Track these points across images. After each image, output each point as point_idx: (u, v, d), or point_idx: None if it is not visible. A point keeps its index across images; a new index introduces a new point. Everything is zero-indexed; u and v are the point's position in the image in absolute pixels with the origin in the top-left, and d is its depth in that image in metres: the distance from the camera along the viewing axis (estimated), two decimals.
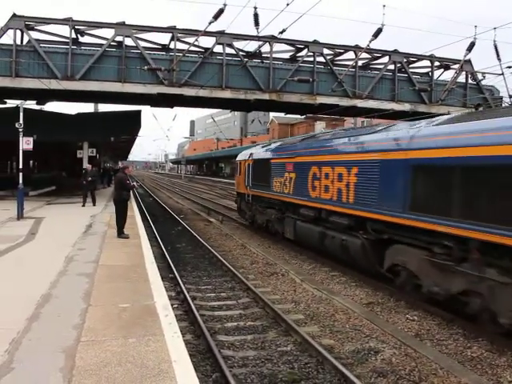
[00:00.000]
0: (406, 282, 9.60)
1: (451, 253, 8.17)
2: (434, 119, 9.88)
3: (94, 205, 21.77)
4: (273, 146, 18.63)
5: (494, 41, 23.45)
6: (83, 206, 21.52)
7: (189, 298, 9.68)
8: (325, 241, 12.87)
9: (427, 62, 27.88)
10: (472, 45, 25.48)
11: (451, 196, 7.91)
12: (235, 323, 8.69)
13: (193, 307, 9.03)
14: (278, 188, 15.99)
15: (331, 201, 12.09)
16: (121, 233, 13.20)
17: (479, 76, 27.77)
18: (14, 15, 21.75)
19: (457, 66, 27.36)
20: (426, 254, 8.75)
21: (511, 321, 7.05)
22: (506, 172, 6.86)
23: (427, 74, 28.28)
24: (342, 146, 12.26)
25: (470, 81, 27.98)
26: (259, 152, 19.35)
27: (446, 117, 9.77)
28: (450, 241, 8.11)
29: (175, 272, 12.07)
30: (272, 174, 16.61)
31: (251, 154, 19.91)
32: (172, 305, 7.22)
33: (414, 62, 27.82)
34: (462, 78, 27.88)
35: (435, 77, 27.91)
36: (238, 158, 22.30)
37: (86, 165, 28.90)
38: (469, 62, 27.13)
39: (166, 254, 14.52)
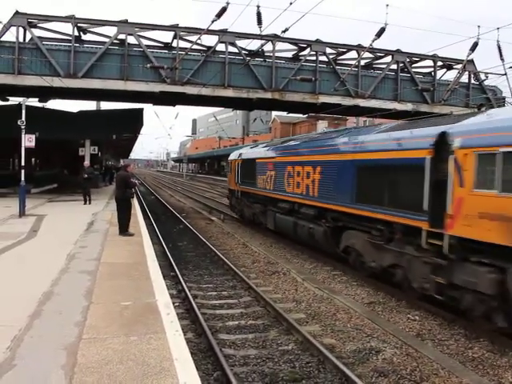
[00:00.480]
0: (355, 259, 11.81)
1: (383, 234, 10.31)
2: (383, 126, 12.05)
3: (90, 203, 21.55)
4: (259, 147, 20.94)
5: (498, 41, 23.43)
6: (84, 204, 21.44)
7: (190, 297, 9.70)
8: (297, 229, 15.02)
9: (430, 62, 27.84)
10: (475, 45, 25.42)
11: (380, 190, 10.23)
12: (236, 322, 8.70)
13: (194, 306, 9.05)
14: (262, 185, 18.24)
15: (301, 195, 14.35)
16: (125, 231, 13.20)
17: (482, 76, 27.70)
18: (17, 12, 21.75)
19: (459, 66, 27.31)
20: (367, 236, 10.93)
21: (420, 285, 9.09)
22: (407, 170, 9.36)
23: (430, 73, 28.24)
24: (310, 148, 14.48)
25: (472, 81, 27.93)
26: (247, 152, 21.62)
27: (389, 125, 11.80)
28: (382, 225, 10.28)
29: (176, 270, 12.09)
30: (257, 172, 18.74)
31: (240, 154, 22.10)
32: (173, 303, 7.23)
33: (416, 61, 27.79)
34: (464, 78, 27.86)
35: (438, 77, 27.86)
36: (229, 158, 24.63)
37: (87, 162, 29.03)
38: (472, 61, 27.07)
39: (168, 252, 14.54)
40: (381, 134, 11.07)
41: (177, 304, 9.05)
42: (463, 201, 7.94)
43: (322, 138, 14.97)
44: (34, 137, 18.85)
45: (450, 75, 28.18)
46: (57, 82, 21.55)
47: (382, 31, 24.14)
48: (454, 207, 8.13)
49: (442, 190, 8.39)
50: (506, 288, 7.21)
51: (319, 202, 13.13)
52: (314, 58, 25.30)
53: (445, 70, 28.41)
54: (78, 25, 22.95)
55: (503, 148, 7.25)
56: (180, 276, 11.50)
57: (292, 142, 17.31)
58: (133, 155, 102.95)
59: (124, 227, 13.23)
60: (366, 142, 11.22)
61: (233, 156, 23.68)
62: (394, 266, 10.14)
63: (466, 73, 27.61)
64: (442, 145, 8.53)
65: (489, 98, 27.73)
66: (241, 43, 24.31)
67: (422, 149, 8.94)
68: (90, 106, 43.11)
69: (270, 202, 17.53)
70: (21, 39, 22.27)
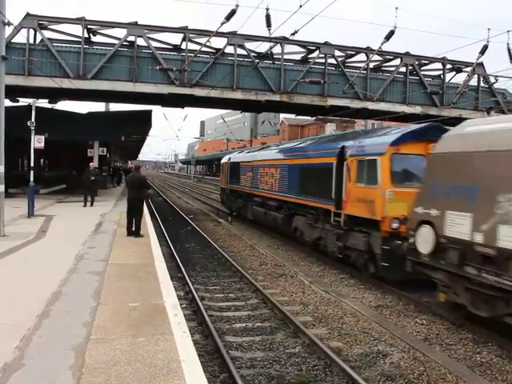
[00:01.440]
0: (300, 236, 16.05)
1: (313, 217, 14.60)
2: (313, 140, 18.35)
3: (92, 205, 21.27)
4: (244, 152, 25.95)
5: (508, 44, 23.32)
6: (84, 206, 21.12)
7: (197, 298, 9.72)
8: (266, 217, 19.31)
9: (439, 65, 27.75)
10: (485, 47, 25.33)
11: (311, 185, 14.60)
12: (243, 324, 8.71)
13: (201, 307, 9.06)
14: (243, 183, 22.65)
15: (268, 191, 18.81)
16: (137, 232, 13.23)
17: (492, 79, 27.59)
18: (28, 14, 21.92)
19: (469, 69, 27.20)
20: (305, 219, 15.32)
21: (332, 249, 13.38)
22: (324, 171, 13.44)
23: (439, 76, 28.13)
24: (275, 154, 19.16)
25: (482, 84, 27.80)
26: (234, 157, 26.20)
27: (324, 135, 18.43)
28: (313, 210, 14.57)
29: (184, 272, 12.11)
30: (240, 173, 23.17)
31: (229, 158, 26.72)
32: (180, 305, 7.24)
33: (425, 64, 27.70)
34: (474, 81, 27.72)
35: (447, 79, 27.76)
36: (222, 161, 29.15)
37: (95, 163, 29.13)
38: (481, 64, 26.96)
39: (175, 253, 14.57)
40: (312, 145, 16.51)
41: (184, 305, 9.07)
42: (350, 191, 12.16)
43: (282, 147, 20.18)
44: (43, 138, 18.99)
45: (460, 78, 28.01)
46: (66, 84, 21.69)
47: (391, 34, 24.10)
48: (346, 195, 12.36)
49: (340, 184, 12.65)
50: (371, 245, 11.29)
51: (279, 195, 17.54)
52: (322, 60, 25.29)
53: (454, 72, 28.31)
54: (88, 26, 23.09)
55: (367, 157, 11.64)
56: (187, 277, 11.53)
57: (263, 150, 22.48)
58: (141, 156, 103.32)
59: (138, 229, 13.27)
60: (304, 151, 16.42)
61: (224, 159, 28.30)
62: (320, 238, 14.38)
63: (476, 76, 27.50)
64: (341, 154, 12.74)
65: (498, 101, 27.60)
66: (250, 45, 24.38)
67: (331, 156, 13.23)
68: (98, 107, 43.38)
69: (249, 197, 21.87)
70: (31, 41, 22.44)
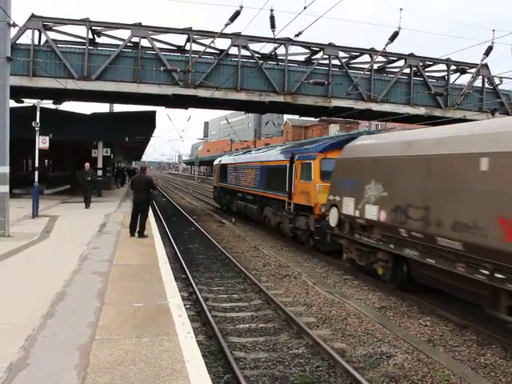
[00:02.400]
0: (267, 222, 19.94)
1: (276, 206, 18.36)
2: (278, 147, 23.68)
3: (88, 207, 20.79)
4: (232, 155, 30.90)
5: None
6: (86, 207, 20.68)
7: (201, 299, 9.73)
8: (245, 209, 23.40)
9: (443, 66, 27.71)
10: (489, 49, 25.30)
11: (274, 181, 18.26)
12: (247, 325, 8.72)
13: (205, 308, 9.08)
14: (229, 181, 26.65)
15: (247, 187, 22.77)
16: (142, 232, 13.28)
17: (496, 80, 27.53)
18: (33, 16, 22.01)
19: (473, 70, 27.16)
20: (271, 209, 19.21)
21: (287, 230, 17.14)
22: (281, 171, 17.26)
23: (443, 77, 28.10)
24: (251, 157, 23.81)
25: (486, 85, 27.75)
26: (223, 159, 30.91)
27: (288, 144, 25.53)
28: (276, 201, 18.21)
29: (188, 272, 12.14)
30: (227, 172, 27.28)
31: (220, 160, 31.24)
32: (184, 305, 7.25)
33: (429, 65, 27.67)
34: (478, 83, 27.68)
35: (451, 81, 27.72)
36: (214, 163, 34.25)
37: (99, 164, 29.21)
38: (486, 66, 26.92)
39: (179, 254, 14.60)
40: (275, 151, 20.72)
41: (188, 306, 9.08)
42: (297, 185, 16.15)
43: (257, 152, 24.98)
44: (47, 138, 19.05)
45: (464, 79, 27.95)
46: (71, 84, 21.77)
47: (395, 35, 24.10)
48: (294, 189, 16.32)
49: (291, 181, 16.54)
50: (309, 225, 15.26)
51: (254, 191, 21.50)
52: (326, 61, 25.31)
53: (458, 74, 28.25)
54: (93, 28, 23.18)
55: (306, 161, 15.68)
56: (191, 278, 11.55)
57: (244, 154, 27.50)
58: (144, 157, 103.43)
59: (142, 229, 13.31)
60: (265, 153, 21.62)
61: (215, 161, 33.21)
62: (280, 223, 18.27)
63: (480, 77, 27.45)
64: (292, 159, 16.72)
65: (503, 103, 27.54)
66: (254, 46, 24.42)
67: (286, 160, 17.39)
68: (102, 108, 43.52)
69: (234, 193, 25.83)
70: (36, 42, 22.53)
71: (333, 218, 12.51)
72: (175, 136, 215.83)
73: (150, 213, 18.23)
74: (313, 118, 45.61)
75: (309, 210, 15.14)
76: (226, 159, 29.96)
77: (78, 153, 36.56)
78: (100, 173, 29.45)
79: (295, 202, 16.20)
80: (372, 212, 10.67)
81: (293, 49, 25.47)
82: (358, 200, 11.21)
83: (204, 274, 12.93)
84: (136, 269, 9.11)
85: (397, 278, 10.76)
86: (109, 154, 32.22)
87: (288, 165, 16.88)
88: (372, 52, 25.62)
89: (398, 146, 10.59)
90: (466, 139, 8.50)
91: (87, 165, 21.31)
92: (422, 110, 26.41)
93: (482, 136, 8.15)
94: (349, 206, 11.66)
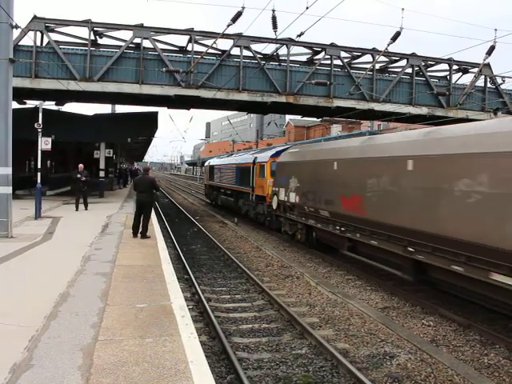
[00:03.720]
0: (239, 210, 24.84)
1: (246, 198, 23.32)
2: (245, 152, 34.05)
3: (86, 208, 20.45)
4: (219, 157, 36.32)
5: None
6: (76, 210, 20.13)
7: (204, 300, 9.74)
8: (225, 202, 28.63)
9: (445, 66, 27.69)
10: (492, 48, 25.28)
11: (243, 179, 23.49)
12: (250, 325, 8.73)
13: (208, 309, 9.09)
14: (215, 180, 31.92)
15: (227, 184, 27.66)
16: (144, 233, 13.30)
17: (499, 80, 27.49)
18: (35, 17, 22.06)
19: (475, 70, 27.12)
20: (243, 200, 24.05)
21: (252, 215, 22.74)
22: (247, 170, 22.83)
23: (445, 77, 28.07)
24: (230, 159, 29.27)
25: (489, 85, 27.72)
26: (212, 161, 36.60)
27: (250, 151, 32.72)
28: (246, 194, 23.16)
29: (190, 273, 12.15)
30: (214, 172, 32.71)
31: (209, 162, 37.38)
32: (187, 306, 7.26)
33: (432, 65, 27.65)
34: (480, 82, 27.65)
35: (453, 80, 27.69)
36: (205, 164, 42.11)
37: (102, 165, 29.21)
38: (488, 65, 26.88)
39: (182, 255, 14.62)
40: (245, 155, 26.69)
41: (191, 307, 9.09)
42: (256, 181, 21.30)
43: (234, 155, 31.06)
44: (50, 139, 19.09)
45: (466, 79, 27.95)
46: (73, 86, 21.82)
47: (397, 35, 24.08)
48: (255, 184, 21.40)
49: (253, 178, 21.57)
50: (264, 210, 20.31)
51: (231, 186, 26.67)
52: (328, 61, 25.30)
53: (460, 73, 28.23)
54: (95, 29, 23.21)
55: (261, 163, 20.91)
56: (194, 279, 11.56)
57: (226, 157, 33.29)
58: (147, 158, 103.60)
59: (145, 230, 13.33)
60: (239, 157, 26.96)
61: (206, 163, 40.77)
62: (248, 210, 23.43)
63: (482, 76, 27.41)
64: (254, 161, 21.71)
65: (505, 102, 27.50)
66: (256, 47, 24.43)
67: (250, 163, 22.47)
68: (104, 109, 43.57)
69: (218, 189, 31.21)
70: (38, 43, 22.58)
71: (274, 203, 17.99)
72: (177, 137, 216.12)
73: (153, 214, 18.27)
74: (315, 119, 45.57)
75: (263, 199, 20.52)
76: (213, 161, 35.50)
77: (80, 154, 36.61)
78: (102, 174, 29.46)
79: (256, 193, 21.78)
80: (293, 197, 16.04)
81: (295, 49, 25.43)
82: (286, 190, 16.66)
83: (207, 275, 12.94)
84: (139, 269, 9.13)
85: (309, 241, 15.95)
86: (111, 155, 32.21)
87: (251, 166, 22.37)
88: (374, 52, 25.61)
89: (302, 155, 16.48)
90: (331, 151, 14.28)
91: (81, 165, 20.93)
92: (424, 110, 26.39)
93: (333, 150, 14.25)
94: (282, 194, 17.07)
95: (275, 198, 17.65)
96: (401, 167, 10.02)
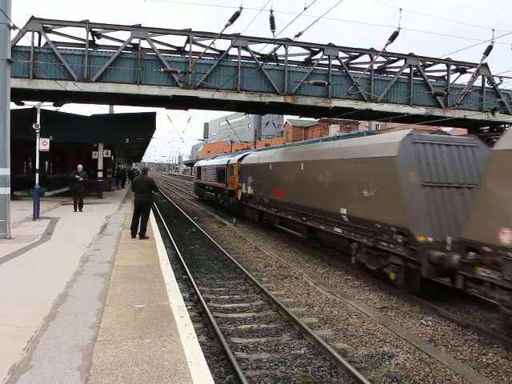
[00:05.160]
0: (217, 201, 31.22)
1: (222, 193, 29.36)
2: (227, 153, 48.40)
3: (81, 209, 20.17)
4: (206, 159, 44.09)
5: None
6: (75, 211, 20.03)
7: (202, 300, 9.75)
8: (210, 197, 33.82)
9: (443, 66, 27.70)
10: (489, 48, 25.28)
11: (219, 177, 30.01)
12: (249, 325, 8.74)
13: (206, 309, 9.10)
14: (202, 178, 37.75)
15: (210, 181, 33.40)
16: (143, 233, 13.30)
17: (496, 80, 27.51)
18: (33, 18, 22.00)
19: (473, 70, 27.15)
20: (220, 195, 30.30)
21: (227, 206, 28.72)
22: (222, 171, 29.38)
23: (443, 77, 28.09)
24: (211, 161, 36.64)
25: (486, 85, 27.74)
26: (199, 162, 43.83)
27: (229, 154, 43.19)
28: (222, 190, 29.40)
29: (189, 273, 12.16)
30: (201, 172, 38.34)
31: (198, 163, 44.07)
32: (186, 306, 7.27)
33: (429, 65, 27.64)
34: (478, 82, 27.67)
35: (451, 81, 27.71)
36: (194, 165, 49.51)
37: (100, 166, 29.20)
38: (485, 65, 26.90)
39: (180, 255, 14.63)
40: (221, 158, 34.26)
41: (189, 307, 9.09)
42: (229, 179, 27.37)
43: (216, 158, 37.82)
44: (48, 140, 19.06)
45: (464, 79, 27.88)
46: (71, 86, 21.75)
47: (395, 35, 24.07)
48: (228, 181, 27.55)
49: (227, 176, 27.64)
50: (233, 201, 25.87)
51: (213, 183, 32.25)
52: (326, 62, 25.28)
53: (458, 73, 28.24)
54: (92, 29, 23.15)
55: (231, 164, 27.16)
56: (192, 279, 11.57)
57: (210, 160, 40.04)
58: (145, 159, 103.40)
59: (143, 231, 13.32)
60: (212, 159, 38.95)
61: (195, 164, 48.61)
62: (223, 202, 29.19)
63: (480, 77, 27.44)
64: (228, 163, 27.96)
65: (503, 102, 27.53)
66: (254, 47, 24.38)
67: (225, 164, 28.58)
68: (103, 109, 43.60)
69: (204, 187, 37.11)
70: (36, 44, 22.53)
71: (239, 195, 24.06)
72: (175, 137, 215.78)
73: (151, 214, 18.25)
74: (313, 119, 45.55)
75: (233, 193, 26.04)
76: (200, 163, 43.27)
77: (78, 155, 36.58)
78: (101, 174, 29.43)
79: (228, 188, 27.60)
80: (250, 190, 22.20)
81: (293, 49, 25.35)
82: (246, 184, 22.79)
83: (205, 275, 12.96)
84: (137, 270, 9.13)
85: (261, 222, 21.70)
86: (109, 156, 32.21)
87: (225, 167, 28.40)
88: (372, 52, 25.60)
89: (254, 159, 22.93)
90: (267, 157, 20.91)
91: (80, 166, 20.81)
92: (422, 110, 26.38)
93: (269, 156, 20.75)
94: (243, 188, 23.23)
95: (240, 191, 23.95)
96: (298, 168, 16.30)
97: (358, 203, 11.99)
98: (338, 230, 13.16)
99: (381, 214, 11.09)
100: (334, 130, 65.11)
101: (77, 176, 20.32)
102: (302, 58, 26.74)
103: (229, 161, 28.02)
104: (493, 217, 7.62)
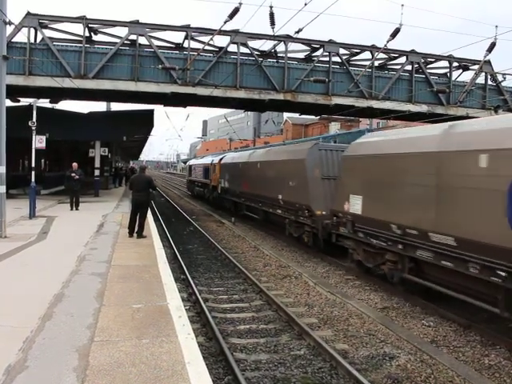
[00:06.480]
0: (204, 195, 36.08)
1: (207, 188, 34.36)
2: (212, 154, 55.09)
3: (77, 208, 20.20)
4: (196, 159, 54.84)
5: None
6: (71, 209, 19.98)
7: (201, 300, 9.75)
8: (198, 192, 39.14)
9: (445, 63, 27.71)
10: (492, 45, 25.29)
11: (205, 174, 35.53)
12: (248, 326, 8.73)
13: (205, 309, 9.10)
14: (193, 175, 42.84)
15: (199, 178, 38.65)
16: (141, 232, 13.30)
17: (499, 77, 27.51)
18: (28, 13, 21.98)
19: (476, 67, 27.15)
20: (206, 190, 35.03)
21: (211, 199, 32.76)
22: (207, 168, 34.36)
23: (445, 74, 28.09)
24: (199, 160, 45.17)
25: (489, 82, 27.73)
26: (191, 161, 51.32)
27: (212, 154, 53.64)
28: (207, 184, 34.20)
29: (187, 273, 12.16)
30: (192, 170, 43.89)
31: (189, 162, 51.96)
32: (184, 306, 7.26)
33: (431, 62, 27.64)
34: (481, 80, 27.67)
35: (453, 78, 27.71)
36: (186, 163, 61.29)
37: (97, 164, 29.18)
38: (488, 62, 26.90)
39: (178, 254, 14.63)
40: (206, 157, 42.70)
41: (187, 307, 9.08)
42: (212, 176, 31.46)
43: (202, 158, 47.42)
44: (44, 138, 19.05)
45: (466, 76, 27.93)
46: (67, 83, 21.74)
47: (396, 32, 24.06)
48: (211, 178, 31.82)
49: (212, 173, 31.81)
50: (216, 194, 30.24)
51: (201, 180, 36.65)
52: (327, 58, 25.28)
53: (461, 70, 28.24)
54: (89, 25, 23.13)
55: (214, 163, 31.41)
56: (190, 279, 11.58)
57: (199, 159, 47.99)
58: (142, 157, 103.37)
59: (141, 230, 13.32)
60: (200, 159, 46.71)
61: (187, 163, 56.85)
62: (210, 196, 32.90)
63: (483, 74, 27.44)
64: (212, 162, 32.41)
65: (506, 100, 27.54)
66: (253, 44, 24.38)
67: (210, 163, 33.14)
68: (99, 107, 43.66)
69: (194, 183, 41.90)
70: (32, 40, 22.50)
71: (219, 189, 28.94)
72: (173, 135, 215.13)
73: (149, 213, 18.25)
74: (313, 117, 45.54)
75: (216, 187, 30.08)
76: (191, 162, 50.06)
77: (75, 153, 36.57)
78: (97, 172, 29.41)
79: (212, 184, 31.73)
80: (227, 184, 26.99)
81: (293, 46, 25.32)
82: (224, 180, 27.79)
83: (204, 275, 12.96)
84: (135, 270, 9.13)
85: (237, 211, 25.62)
86: (106, 154, 32.17)
87: (210, 165, 32.79)
88: (373, 49, 25.60)
89: (229, 159, 28.05)
90: (237, 157, 26.83)
91: (75, 164, 20.78)
92: (423, 108, 26.38)
93: (239, 157, 26.38)
94: (222, 183, 28.16)
95: (219, 186, 28.93)
96: (256, 166, 21.39)
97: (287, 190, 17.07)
98: (279, 211, 18.15)
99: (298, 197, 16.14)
100: (334, 127, 65.11)
101: (72, 174, 20.24)
102: (302, 55, 26.75)
103: (212, 160, 32.95)
104: (342, 195, 12.49)
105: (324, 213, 14.33)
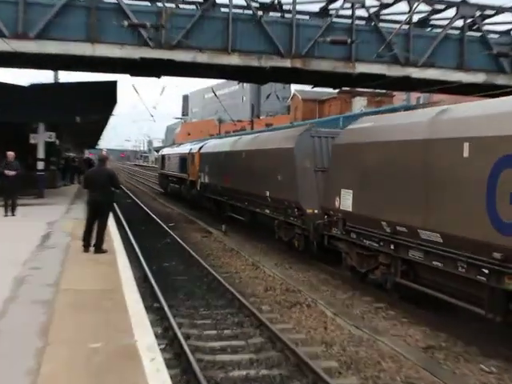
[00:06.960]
0: (182, 193, 39.46)
1: (185, 184, 37.55)
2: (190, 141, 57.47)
3: (13, 214, 20.20)
4: (171, 147, 60.89)
5: None
6: (5, 215, 19.99)
7: (180, 337, 9.70)
8: (174, 189, 43.47)
9: (509, 16, 27.72)
10: None
11: (183, 166, 38.39)
12: (244, 372, 8.68)
13: (186, 349, 9.04)
14: (165, 168, 47.61)
15: (173, 172, 42.95)
16: (100, 247, 13.26)
17: None
18: None
19: None
20: (183, 186, 38.77)
21: (189, 197, 36.80)
22: (184, 159, 38.39)
23: (509, 32, 28.08)
24: (174, 149, 49.18)
25: None
26: (164, 150, 56.14)
27: (194, 141, 53.69)
28: (184, 179, 38.01)
29: (162, 300, 12.12)
30: (165, 161, 48.46)
31: (162, 151, 56.13)
32: (158, 345, 7.21)
33: (490, 16, 27.61)
34: None
35: None
36: (158, 153, 73.92)
37: (41, 154, 29.04)
38: None
39: (150, 275, 14.59)
40: (184, 146, 45.59)
41: (162, 346, 9.03)
42: (191, 168, 35.23)
43: (179, 146, 50.84)
44: None
45: None
46: (1, 45, 21.68)
47: None
48: (189, 170, 35.64)
49: (190, 165, 35.60)
50: (196, 191, 33.02)
51: (176, 173, 41.31)
52: (349, 12, 25.24)
53: None
54: None
55: (193, 152, 35.31)
56: (166, 308, 11.53)
57: (174, 147, 54.26)
58: (102, 144, 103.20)
59: (100, 242, 13.29)
60: (182, 149, 42.87)
61: (160, 152, 58.55)
62: (187, 194, 36.81)
63: None
64: (190, 151, 36.39)
65: None
66: None
67: (187, 152, 37.29)
68: (45, 77, 43.56)
69: (168, 178, 45.34)
70: None
71: (198, 185, 31.41)
72: (144, 115, 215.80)
73: (111, 219, 18.21)
74: (331, 90, 45.62)
75: (195, 182, 32.17)
76: (164, 150, 53.42)
77: (10, 138, 36.50)
78: (42, 165, 29.28)
79: (190, 178, 34.24)
80: (207, 179, 29.98)
81: None
82: (203, 174, 30.52)
83: (184, 303, 12.94)
84: (92, 295, 9.10)
85: (220, 211, 28.06)
86: (53, 140, 32.06)
87: (188, 155, 35.30)
88: None
89: (210, 147, 31.95)
90: (220, 146, 30.79)
91: (10, 154, 20.46)
92: (479, 77, 26.35)
93: (222, 144, 31.07)
94: (202, 177, 30.57)
95: (199, 180, 31.24)
96: (241, 156, 23.50)
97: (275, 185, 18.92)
98: (267, 211, 19.98)
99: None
100: (359, 104, 65.07)
101: (6, 171, 20.02)
102: (315, 7, 26.67)
103: (191, 149, 35.77)
104: (333, 190, 13.74)
105: (316, 211, 15.69)
